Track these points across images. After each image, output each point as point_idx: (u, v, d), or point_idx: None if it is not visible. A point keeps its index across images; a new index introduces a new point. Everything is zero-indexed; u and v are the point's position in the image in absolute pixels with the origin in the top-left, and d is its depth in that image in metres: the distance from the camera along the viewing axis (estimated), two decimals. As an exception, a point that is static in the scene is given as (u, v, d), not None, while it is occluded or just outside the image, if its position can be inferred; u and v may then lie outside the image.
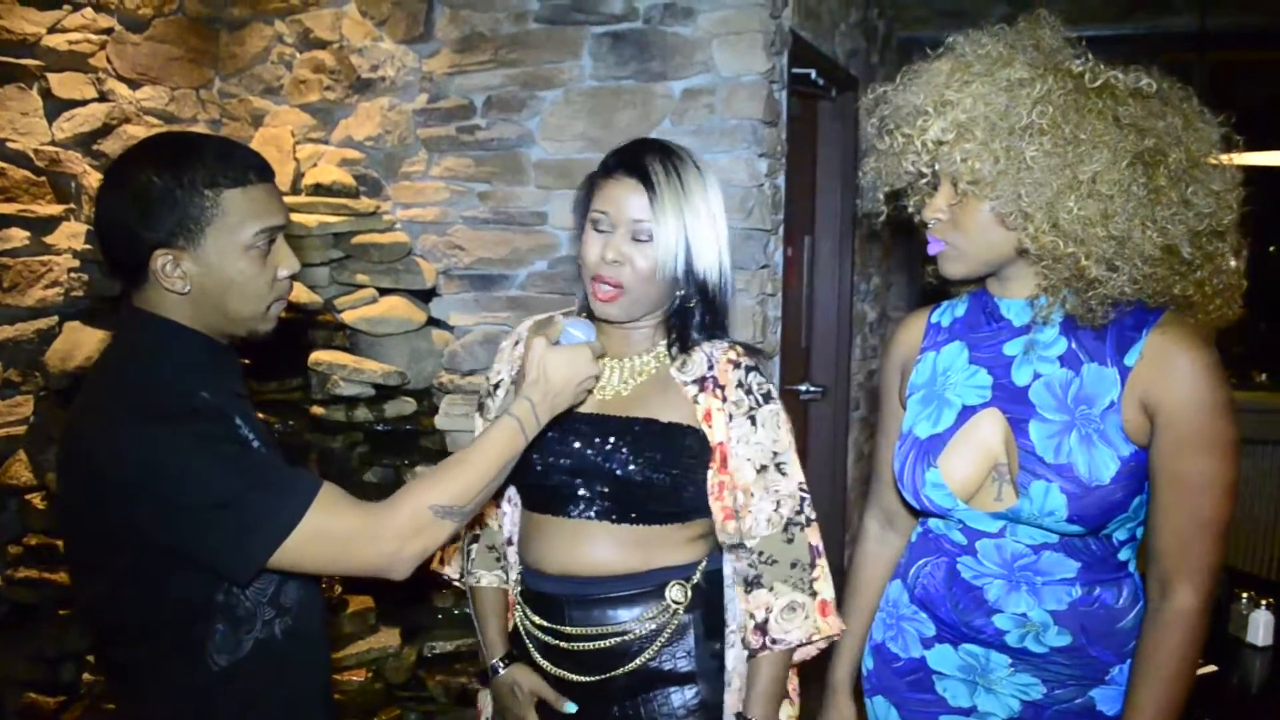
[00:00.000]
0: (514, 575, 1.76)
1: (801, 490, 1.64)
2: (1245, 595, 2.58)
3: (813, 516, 1.65)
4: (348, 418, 2.94)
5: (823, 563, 1.64)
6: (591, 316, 1.69)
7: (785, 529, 1.61)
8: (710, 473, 1.61)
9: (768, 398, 1.65)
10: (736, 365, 1.64)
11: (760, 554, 1.61)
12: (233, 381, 1.47)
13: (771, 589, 1.60)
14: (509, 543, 1.77)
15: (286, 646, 1.43)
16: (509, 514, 1.77)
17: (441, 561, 1.84)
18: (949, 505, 1.52)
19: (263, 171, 1.40)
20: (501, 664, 1.73)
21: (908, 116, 1.49)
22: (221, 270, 1.36)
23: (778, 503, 1.62)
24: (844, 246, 3.96)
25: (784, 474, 1.63)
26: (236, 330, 1.43)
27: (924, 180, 1.54)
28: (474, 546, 1.80)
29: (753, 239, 2.86)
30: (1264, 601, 2.54)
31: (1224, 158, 1.43)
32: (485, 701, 1.81)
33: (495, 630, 1.78)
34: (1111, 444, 1.41)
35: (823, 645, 1.68)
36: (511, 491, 1.76)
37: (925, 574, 1.61)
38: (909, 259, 4.70)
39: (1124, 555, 1.50)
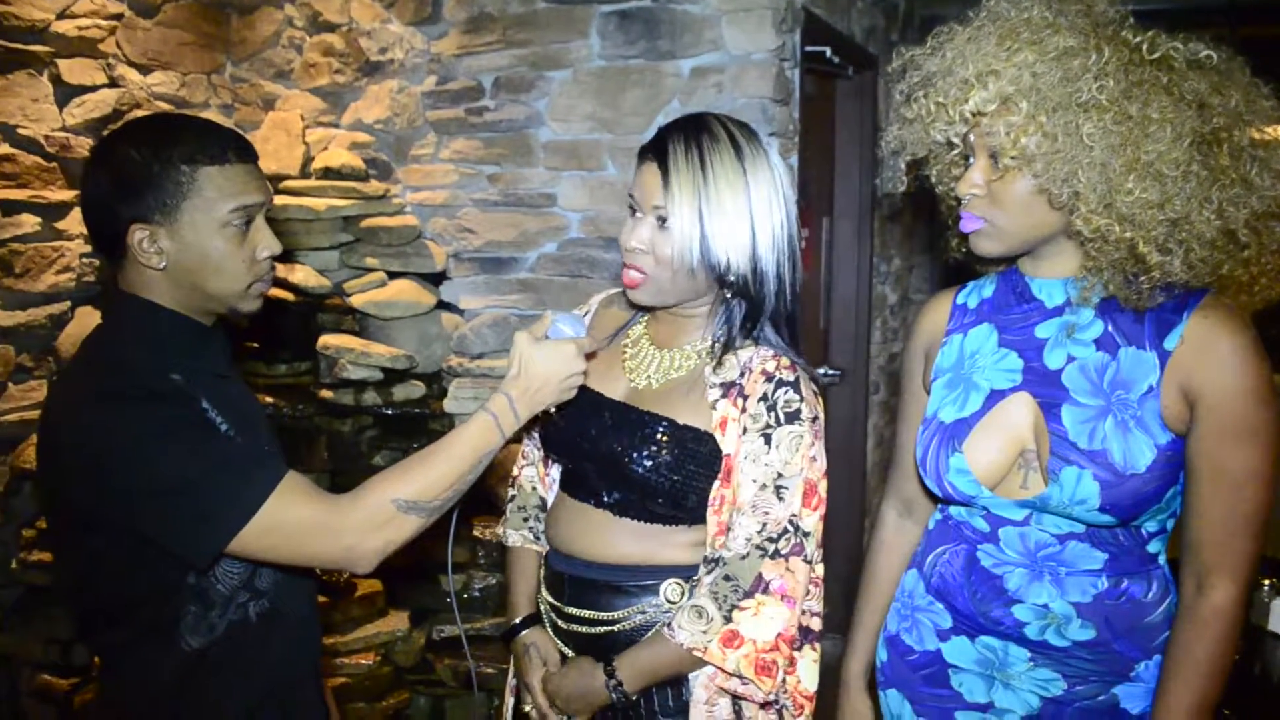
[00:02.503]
0: (545, 545, 1.76)
1: (793, 523, 1.50)
2: (1268, 583, 2.52)
3: (786, 552, 1.49)
4: (356, 401, 2.93)
5: (769, 602, 1.48)
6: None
7: (750, 549, 1.49)
8: (716, 483, 1.53)
9: (793, 418, 1.50)
10: (769, 378, 1.51)
11: (723, 568, 1.51)
12: (215, 362, 1.47)
13: (702, 589, 1.51)
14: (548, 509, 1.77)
15: (263, 629, 1.43)
16: (556, 480, 1.76)
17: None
18: (973, 493, 1.47)
19: (243, 152, 1.40)
20: (522, 625, 1.71)
21: (941, 83, 1.41)
22: (198, 246, 1.36)
23: (763, 525, 1.49)
24: (863, 228, 3.90)
25: (780, 499, 1.49)
26: (216, 308, 1.44)
27: (954, 151, 1.47)
28: (509, 506, 1.80)
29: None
30: (1287, 588, 2.48)
31: None
32: (511, 685, 1.79)
33: (520, 591, 1.75)
34: (1149, 431, 1.35)
35: (759, 698, 1.51)
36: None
37: (943, 562, 1.56)
38: (932, 241, 4.62)
39: (1154, 547, 1.44)
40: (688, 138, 1.51)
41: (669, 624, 1.51)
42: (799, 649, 1.60)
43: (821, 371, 3.77)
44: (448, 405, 3.01)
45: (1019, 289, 1.52)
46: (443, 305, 3.20)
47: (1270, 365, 1.36)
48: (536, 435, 1.77)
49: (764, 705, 1.56)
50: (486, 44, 3.08)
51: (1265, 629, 2.48)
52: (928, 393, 1.60)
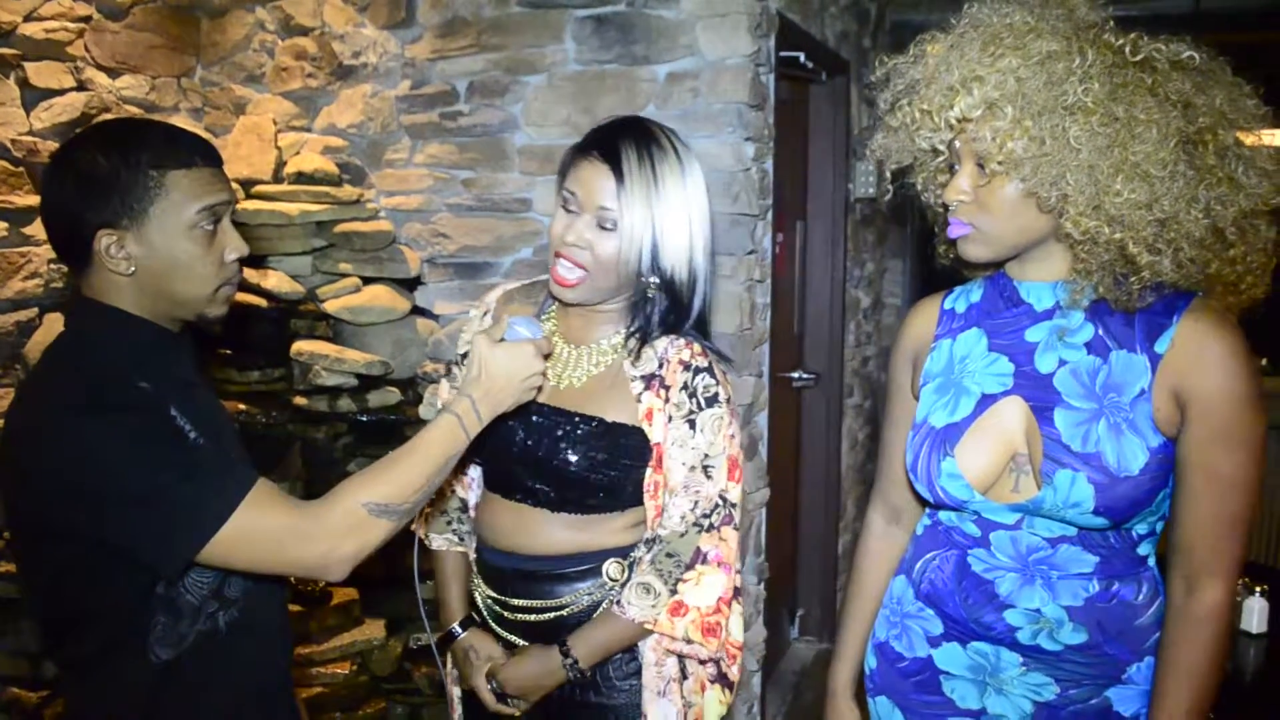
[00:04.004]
0: (473, 543, 1.79)
1: (722, 497, 1.61)
2: (1240, 582, 2.55)
3: (718, 524, 1.61)
4: (331, 408, 2.90)
5: (708, 571, 1.60)
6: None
7: (689, 526, 1.60)
8: (648, 471, 1.61)
9: (712, 401, 1.60)
10: (687, 367, 1.61)
11: (663, 544, 1.61)
12: (182, 369, 1.45)
13: (645, 567, 1.61)
14: (471, 510, 1.80)
15: (233, 639, 1.42)
16: (475, 481, 1.79)
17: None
18: (965, 497, 1.47)
19: (209, 156, 1.40)
20: (459, 628, 1.75)
21: (925, 90, 1.41)
22: (166, 251, 1.35)
23: (695, 503, 1.60)
24: (837, 232, 3.92)
25: (709, 477, 1.60)
26: (184, 314, 1.42)
27: (940, 158, 1.47)
28: (429, 511, 1.82)
29: (740, 224, 2.82)
30: (1259, 589, 2.52)
31: (1265, 134, 1.36)
32: (453, 676, 1.82)
33: (453, 594, 1.81)
34: (1141, 434, 1.36)
35: (704, 655, 1.63)
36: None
37: (933, 568, 1.55)
38: (904, 245, 4.65)
39: (1143, 550, 1.45)
40: (639, 144, 1.56)
41: (618, 601, 1.60)
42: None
43: (796, 375, 3.78)
44: (423, 411, 2.99)
45: (1007, 293, 1.52)
46: (417, 311, 3.18)
47: (1258, 367, 1.38)
48: None
49: (703, 661, 1.68)
50: (461, 48, 3.06)
51: (1238, 628, 2.51)
52: (916, 399, 1.59)
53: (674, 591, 1.59)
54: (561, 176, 1.61)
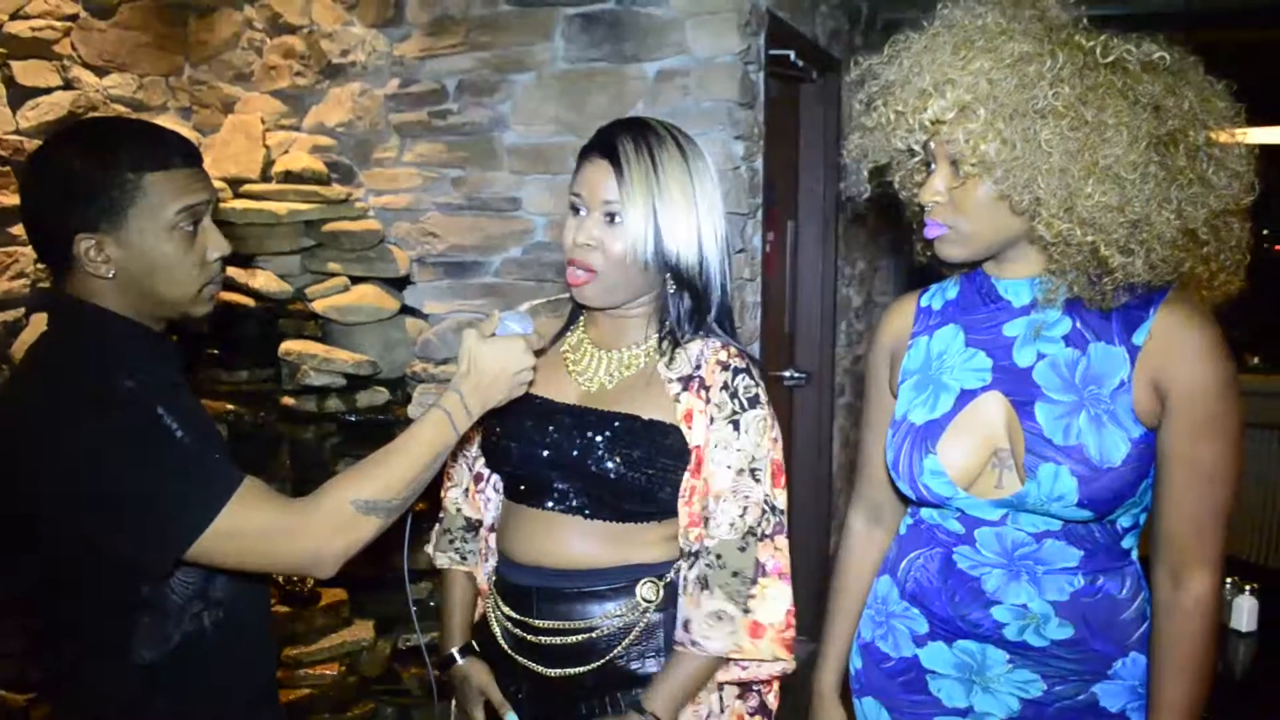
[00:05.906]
0: (491, 564, 1.72)
1: (768, 502, 1.56)
2: (1229, 581, 2.55)
3: (770, 532, 1.56)
4: (319, 408, 2.89)
5: (770, 583, 1.55)
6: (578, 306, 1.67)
7: (743, 537, 1.53)
8: (686, 475, 1.54)
9: (754, 402, 1.55)
10: (725, 367, 1.56)
11: (716, 556, 1.53)
12: (166, 369, 1.44)
13: (711, 591, 1.52)
14: (490, 529, 1.75)
15: (218, 640, 1.40)
16: (493, 500, 1.75)
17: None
18: (948, 494, 1.47)
19: (189, 156, 1.38)
20: (457, 655, 1.70)
21: (900, 92, 1.41)
22: (146, 253, 1.34)
23: (744, 509, 1.53)
24: (828, 231, 3.91)
25: (757, 480, 1.54)
26: (168, 314, 1.41)
27: (915, 158, 1.48)
28: (435, 529, 1.79)
29: (729, 223, 2.79)
30: (1248, 587, 2.52)
31: (1238, 133, 1.37)
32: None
33: (455, 618, 1.74)
34: (1122, 425, 1.36)
35: (765, 674, 1.58)
36: (496, 479, 1.74)
37: (918, 567, 1.55)
38: (895, 244, 4.64)
39: (1127, 543, 1.45)
40: (635, 137, 1.54)
41: (692, 641, 1.51)
42: None
43: (787, 374, 3.78)
44: (412, 411, 2.98)
45: (984, 290, 1.52)
46: (406, 310, 3.17)
47: (1234, 359, 1.38)
48: (471, 452, 1.75)
49: (741, 693, 1.61)
50: (449, 46, 3.05)
51: (1228, 626, 2.51)
52: (894, 397, 1.59)
53: (747, 610, 1.53)
54: (572, 184, 1.60)
